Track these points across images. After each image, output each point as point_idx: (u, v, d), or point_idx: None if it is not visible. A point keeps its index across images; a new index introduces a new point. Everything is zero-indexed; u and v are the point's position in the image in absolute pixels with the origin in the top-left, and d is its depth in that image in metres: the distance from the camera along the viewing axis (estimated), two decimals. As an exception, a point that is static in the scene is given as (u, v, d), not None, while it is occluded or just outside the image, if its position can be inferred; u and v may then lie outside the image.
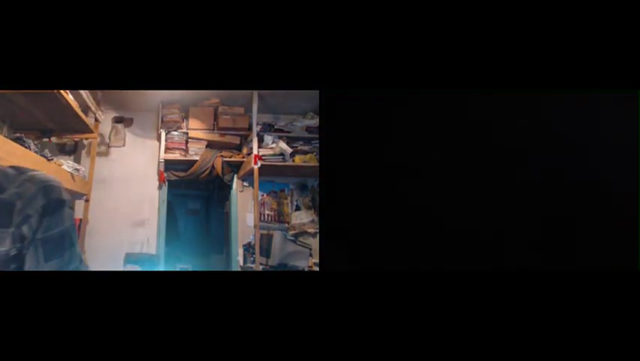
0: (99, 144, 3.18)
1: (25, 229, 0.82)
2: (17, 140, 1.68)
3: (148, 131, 3.37)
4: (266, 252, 3.15)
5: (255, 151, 2.97)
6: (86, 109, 2.76)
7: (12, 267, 0.81)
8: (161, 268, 3.16)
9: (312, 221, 3.30)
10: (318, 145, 3.10)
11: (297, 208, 3.45)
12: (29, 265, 0.82)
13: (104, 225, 3.08)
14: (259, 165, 2.92)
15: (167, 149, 3.23)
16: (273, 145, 3.10)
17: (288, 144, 3.11)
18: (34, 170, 0.87)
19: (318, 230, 3.16)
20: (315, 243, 3.23)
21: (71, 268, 0.87)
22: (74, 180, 2.44)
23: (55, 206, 0.86)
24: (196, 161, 3.22)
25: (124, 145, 3.28)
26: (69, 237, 0.89)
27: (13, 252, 0.81)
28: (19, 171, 0.86)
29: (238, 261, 3.25)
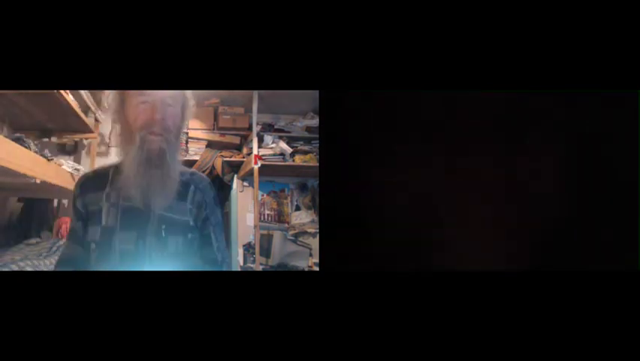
0: (99, 144, 3.18)
1: (208, 213, 1.02)
2: (17, 140, 1.67)
3: (148, 132, 3.36)
4: (266, 252, 3.14)
5: (255, 151, 2.97)
6: (86, 109, 2.76)
7: (189, 236, 0.98)
8: (161, 268, 3.15)
9: (312, 221, 3.30)
10: (318, 145, 3.10)
11: (297, 208, 3.46)
12: (211, 243, 1.03)
13: (103, 225, 3.07)
14: (259, 165, 2.92)
15: (167, 149, 3.22)
16: (273, 145, 3.10)
17: (288, 144, 3.11)
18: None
19: (318, 230, 3.16)
20: (315, 243, 3.23)
21: (225, 253, 1.08)
22: (74, 180, 2.44)
23: (218, 200, 1.07)
24: (196, 161, 3.22)
25: (124, 145, 3.27)
26: (224, 227, 1.10)
27: (191, 222, 0.99)
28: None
29: (238, 261, 3.25)
